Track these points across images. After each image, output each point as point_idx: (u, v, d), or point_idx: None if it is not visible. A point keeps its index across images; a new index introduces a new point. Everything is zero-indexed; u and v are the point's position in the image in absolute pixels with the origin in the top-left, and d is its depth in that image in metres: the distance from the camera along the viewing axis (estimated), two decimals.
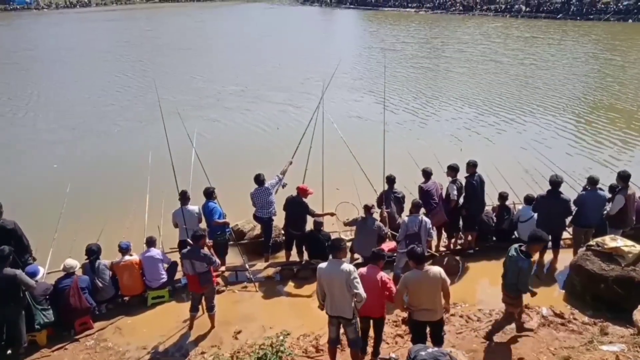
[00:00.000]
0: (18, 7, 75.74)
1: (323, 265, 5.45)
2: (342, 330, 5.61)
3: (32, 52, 35.55)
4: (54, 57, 32.98)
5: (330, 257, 5.77)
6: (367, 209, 7.57)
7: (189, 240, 7.01)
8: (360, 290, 5.14)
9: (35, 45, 39.18)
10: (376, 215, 7.92)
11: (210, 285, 6.68)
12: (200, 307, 6.83)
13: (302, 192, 8.07)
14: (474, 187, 8.07)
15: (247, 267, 8.00)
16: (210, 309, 6.76)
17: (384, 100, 11.92)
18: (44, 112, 19.57)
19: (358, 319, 5.48)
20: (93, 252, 7.15)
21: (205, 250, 6.66)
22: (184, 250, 6.76)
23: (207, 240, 7.14)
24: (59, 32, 49.27)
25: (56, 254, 7.56)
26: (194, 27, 51.09)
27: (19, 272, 6.16)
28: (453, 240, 8.66)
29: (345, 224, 8.14)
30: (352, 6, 69.14)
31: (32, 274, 6.69)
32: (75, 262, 7.02)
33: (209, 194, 7.98)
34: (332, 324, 5.59)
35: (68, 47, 37.38)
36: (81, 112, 19.21)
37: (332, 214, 8.24)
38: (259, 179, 8.16)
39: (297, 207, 8.01)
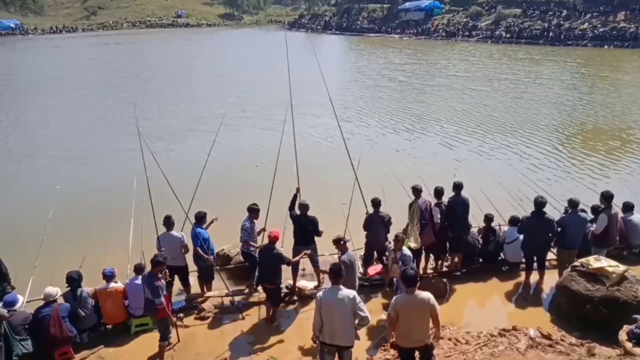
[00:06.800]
0: (2, 32, 75.63)
1: (321, 293, 5.37)
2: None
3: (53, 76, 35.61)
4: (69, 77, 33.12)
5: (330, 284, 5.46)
6: (336, 242, 6.98)
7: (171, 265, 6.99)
8: (367, 313, 5.22)
9: (64, 68, 40.01)
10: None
11: (155, 316, 6.59)
12: (170, 335, 6.72)
13: (275, 239, 7.23)
14: (454, 209, 8.14)
15: (232, 293, 7.87)
16: (160, 337, 6.60)
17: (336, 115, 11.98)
18: (28, 136, 19.42)
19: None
20: (74, 280, 6.96)
21: (159, 282, 6.43)
22: (145, 273, 6.71)
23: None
24: (74, 57, 49.94)
25: (37, 282, 7.40)
26: (202, 52, 51.66)
27: None
28: (440, 262, 8.67)
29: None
30: (337, 32, 70.61)
31: (11, 303, 6.51)
32: (56, 290, 6.82)
33: (198, 218, 7.87)
34: (329, 353, 5.45)
35: (93, 69, 39.01)
36: (64, 135, 19.12)
37: (308, 255, 7.87)
38: (248, 209, 7.95)
39: (270, 257, 7.18)
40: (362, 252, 8.52)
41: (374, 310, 7.42)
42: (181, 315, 7.47)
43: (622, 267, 6.83)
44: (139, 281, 7.12)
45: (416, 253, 7.82)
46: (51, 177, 14.55)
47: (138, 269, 7.13)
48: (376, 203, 8.12)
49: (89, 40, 66.62)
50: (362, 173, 9.61)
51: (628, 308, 6.35)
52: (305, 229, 7.83)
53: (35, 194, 13.24)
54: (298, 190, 8.44)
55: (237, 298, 7.88)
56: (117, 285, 7.22)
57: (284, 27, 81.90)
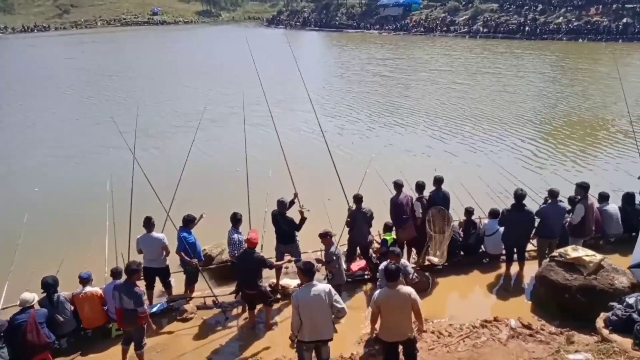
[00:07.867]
0: None
1: (296, 293, 5.39)
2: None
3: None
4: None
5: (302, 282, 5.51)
6: (322, 236, 7.08)
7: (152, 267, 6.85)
8: (343, 305, 5.34)
9: (43, 67, 38.81)
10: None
11: (135, 325, 6.32)
12: (145, 343, 6.49)
13: (253, 245, 6.93)
14: (435, 203, 8.23)
15: (215, 293, 7.80)
16: (137, 347, 6.41)
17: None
18: (7, 136, 18.94)
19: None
20: (49, 286, 6.75)
21: (139, 289, 6.27)
22: (118, 281, 6.55)
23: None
24: (52, 56, 48.47)
25: (13, 288, 7.20)
26: (182, 49, 50.86)
27: None
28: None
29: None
30: (316, 28, 70.42)
31: None
32: (33, 295, 6.62)
33: (186, 222, 7.71)
34: (307, 349, 5.44)
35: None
36: (44, 135, 18.69)
37: (290, 261, 7.84)
38: (235, 218, 7.72)
39: (251, 261, 6.90)
40: (345, 248, 8.51)
41: (357, 306, 7.47)
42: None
43: (598, 256, 6.97)
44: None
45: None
46: (28, 178, 14.20)
47: (115, 273, 6.89)
48: (358, 199, 8.12)
49: (64, 40, 65.17)
50: (348, 168, 9.61)
51: (605, 296, 6.48)
52: (281, 228, 7.79)
53: (11, 196, 12.90)
54: (295, 195, 8.26)
55: (220, 298, 7.80)
56: (94, 289, 7.04)
57: (262, 24, 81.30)
